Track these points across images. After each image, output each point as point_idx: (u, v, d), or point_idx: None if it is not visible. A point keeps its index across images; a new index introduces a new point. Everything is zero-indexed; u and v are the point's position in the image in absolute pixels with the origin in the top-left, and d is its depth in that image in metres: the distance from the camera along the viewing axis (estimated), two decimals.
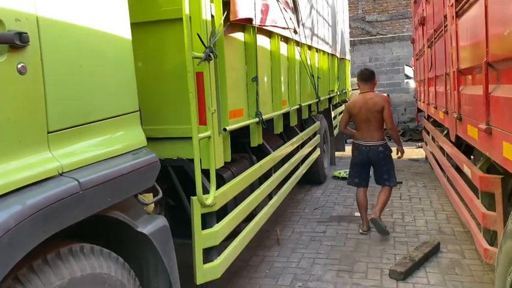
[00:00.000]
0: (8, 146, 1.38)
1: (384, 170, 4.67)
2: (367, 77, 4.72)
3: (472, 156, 4.19)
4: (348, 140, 11.06)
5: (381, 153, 4.60)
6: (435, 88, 5.18)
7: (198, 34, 2.40)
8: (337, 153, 8.78)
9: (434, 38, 5.07)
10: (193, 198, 2.49)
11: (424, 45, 6.36)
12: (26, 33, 1.41)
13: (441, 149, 4.96)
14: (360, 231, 4.69)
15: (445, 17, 3.86)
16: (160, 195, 2.16)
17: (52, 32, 1.56)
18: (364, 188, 4.79)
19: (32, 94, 1.48)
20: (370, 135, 4.62)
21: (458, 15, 3.24)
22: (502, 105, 2.14)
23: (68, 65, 1.66)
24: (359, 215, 4.93)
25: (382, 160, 4.63)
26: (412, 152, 9.76)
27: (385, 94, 5.73)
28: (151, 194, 2.20)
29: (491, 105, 2.28)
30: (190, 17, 2.31)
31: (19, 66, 1.41)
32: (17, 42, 1.37)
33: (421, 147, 9.21)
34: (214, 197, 2.57)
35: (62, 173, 1.55)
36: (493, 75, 2.32)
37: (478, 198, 2.97)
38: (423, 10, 6.35)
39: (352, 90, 11.39)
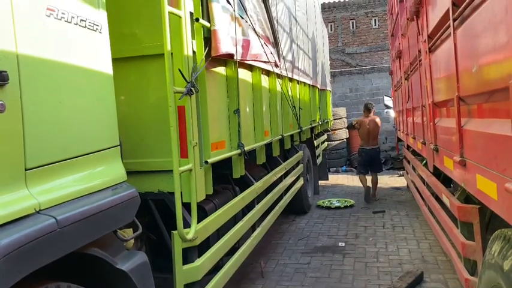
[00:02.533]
0: None
1: (376, 163, 8.02)
2: (371, 107, 8.11)
3: (452, 185, 4.27)
4: (331, 169, 11.15)
5: (376, 153, 8.00)
6: (413, 119, 5.31)
7: (179, 69, 2.44)
8: (320, 182, 8.82)
9: (411, 71, 5.24)
10: (174, 232, 2.47)
11: (401, 77, 6.56)
12: (6, 71, 1.42)
13: (421, 178, 5.04)
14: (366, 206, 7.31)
15: (420, 51, 4.01)
16: (140, 230, 2.14)
17: (32, 70, 1.57)
18: (366, 175, 7.84)
19: (10, 132, 1.47)
20: (371, 142, 7.90)
21: (431, 50, 3.38)
22: (474, 138, 2.21)
23: (47, 101, 1.66)
24: (343, 245, 5.23)
25: (377, 157, 8.01)
26: (394, 180, 9.88)
27: (377, 116, 8.29)
28: (131, 229, 2.17)
29: (464, 138, 2.35)
30: (172, 53, 2.35)
31: None
32: None
33: (403, 175, 9.32)
34: (196, 231, 2.55)
35: (39, 210, 1.52)
36: (464, 109, 2.41)
37: (458, 228, 3.01)
38: (399, 44, 6.58)
39: (334, 119, 11.59)
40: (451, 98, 2.62)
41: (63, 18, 1.75)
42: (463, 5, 2.16)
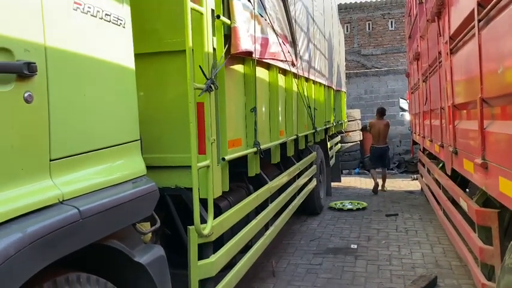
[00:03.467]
0: (10, 173, 1.38)
1: (385, 159, 9.08)
2: (383, 111, 9.38)
3: (467, 189, 4.21)
4: (343, 171, 11.09)
5: (385, 150, 9.09)
6: (430, 121, 5.25)
7: (200, 66, 2.45)
8: (333, 184, 8.79)
9: (429, 73, 5.18)
10: (190, 227, 2.48)
11: (419, 79, 6.49)
12: (34, 63, 1.44)
13: (437, 181, 4.98)
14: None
15: (440, 53, 3.96)
16: (158, 224, 2.15)
17: (59, 62, 1.60)
18: (376, 169, 9.02)
19: (37, 122, 1.50)
20: (381, 141, 9.05)
21: (452, 52, 3.34)
22: (498, 140, 2.18)
23: (72, 93, 1.69)
24: (355, 247, 5.20)
25: (385, 154, 9.08)
26: (408, 183, 9.79)
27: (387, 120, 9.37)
28: (149, 223, 2.19)
29: (486, 140, 2.31)
30: (192, 50, 2.36)
31: (26, 95, 1.43)
32: (25, 71, 1.40)
33: (417, 179, 9.23)
34: (212, 227, 2.56)
35: (63, 200, 1.55)
36: (487, 111, 2.37)
37: (475, 232, 2.97)
38: (418, 46, 6.52)
39: (348, 121, 11.53)
40: (473, 100, 2.59)
41: (89, 12, 1.77)
42: (489, 6, 2.13)
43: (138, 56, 2.20)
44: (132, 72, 2.10)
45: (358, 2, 15.70)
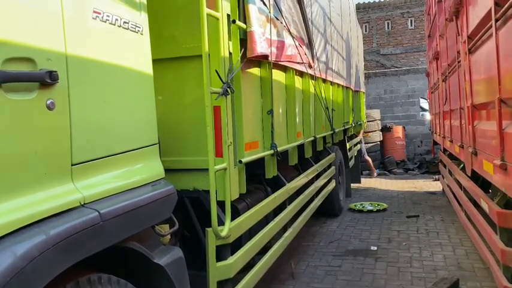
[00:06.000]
0: (33, 177, 1.44)
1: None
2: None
3: (490, 190, 4.13)
4: (363, 172, 11.02)
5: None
6: (450, 122, 5.17)
7: (216, 70, 2.49)
8: (353, 185, 8.72)
9: (449, 72, 5.11)
10: (208, 229, 2.51)
11: (438, 78, 6.40)
12: (56, 71, 1.50)
13: (458, 182, 4.90)
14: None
15: (459, 52, 3.91)
16: (177, 226, 2.19)
17: (79, 69, 1.65)
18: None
19: (59, 128, 1.55)
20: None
21: (471, 51, 3.29)
22: None
23: (92, 100, 1.74)
24: (375, 249, 5.16)
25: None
26: (429, 184, 9.64)
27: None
28: (168, 225, 2.23)
29: (505, 141, 2.28)
30: (209, 54, 2.40)
31: (48, 102, 1.49)
32: (47, 80, 1.46)
33: (438, 179, 9.08)
34: (229, 229, 2.59)
35: (84, 204, 1.60)
36: (506, 111, 2.33)
37: (497, 234, 2.92)
38: (437, 45, 6.43)
39: (368, 121, 11.42)
40: (491, 100, 2.55)
41: (108, 20, 1.83)
42: (506, 5, 2.10)
43: (156, 62, 2.25)
44: (150, 77, 2.15)
45: (377, 1, 15.54)
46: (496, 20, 2.33)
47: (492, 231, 3.08)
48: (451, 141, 5.11)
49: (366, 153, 10.86)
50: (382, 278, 4.30)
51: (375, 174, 11.14)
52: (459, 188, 4.80)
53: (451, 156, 5.73)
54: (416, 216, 6.70)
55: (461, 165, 4.67)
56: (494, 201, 2.99)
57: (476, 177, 3.93)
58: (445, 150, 6.44)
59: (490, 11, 2.41)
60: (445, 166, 6.46)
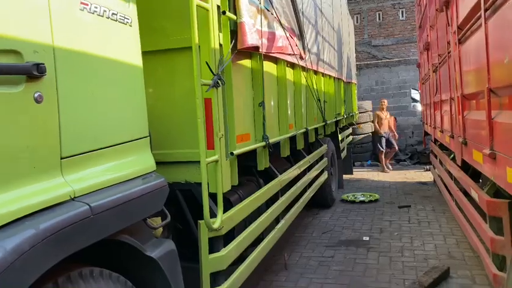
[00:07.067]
0: (22, 171, 1.43)
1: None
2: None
3: (480, 180, 4.17)
4: (355, 163, 11.07)
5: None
6: (441, 112, 5.21)
7: (206, 62, 2.47)
8: (345, 176, 8.77)
9: (439, 63, 5.13)
10: (201, 222, 2.52)
11: (429, 69, 6.43)
12: (43, 64, 1.48)
13: (449, 172, 4.95)
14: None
15: (449, 43, 3.93)
16: (169, 219, 2.19)
17: (67, 62, 1.63)
18: (384, 151, 10.54)
19: (47, 121, 1.54)
20: (387, 129, 10.71)
21: (460, 42, 3.30)
22: (505, 130, 2.17)
23: (81, 93, 1.72)
24: (367, 239, 5.23)
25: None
26: (420, 175, 9.72)
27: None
28: (160, 217, 2.23)
29: (494, 130, 2.30)
30: (199, 46, 2.39)
31: (36, 95, 1.47)
32: (34, 72, 1.44)
33: (429, 170, 9.17)
34: (222, 221, 2.59)
35: (74, 197, 1.59)
36: (495, 101, 2.35)
37: (486, 223, 2.96)
38: (428, 36, 6.44)
39: (359, 113, 11.46)
40: (481, 90, 2.57)
41: (96, 12, 1.81)
42: None
43: (145, 54, 2.23)
44: (140, 69, 2.13)
45: None
46: (485, 10, 2.34)
47: (482, 220, 3.11)
48: (442, 132, 5.14)
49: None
50: (374, 268, 4.34)
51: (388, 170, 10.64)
52: (450, 178, 4.85)
53: (442, 147, 5.77)
54: (407, 206, 6.77)
55: (452, 156, 4.71)
56: (483, 191, 3.02)
57: (466, 167, 3.97)
58: (436, 141, 6.49)
59: (479, 1, 2.42)
60: (436, 156, 6.51)
